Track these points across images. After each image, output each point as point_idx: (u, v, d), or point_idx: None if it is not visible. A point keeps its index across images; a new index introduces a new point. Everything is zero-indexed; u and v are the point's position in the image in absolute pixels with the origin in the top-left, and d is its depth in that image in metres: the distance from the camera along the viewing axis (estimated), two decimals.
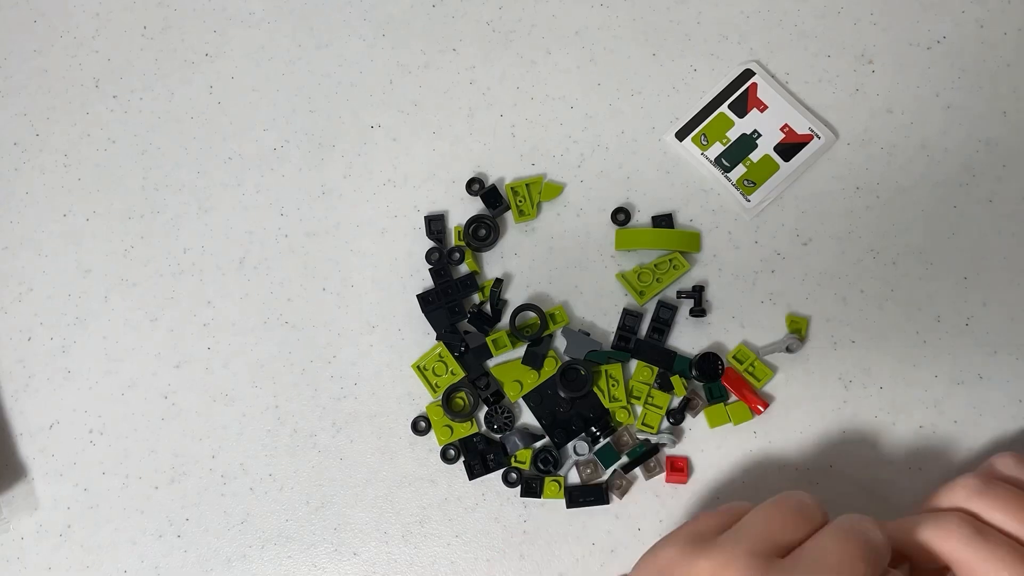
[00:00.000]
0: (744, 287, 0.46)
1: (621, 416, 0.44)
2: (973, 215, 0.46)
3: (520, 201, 0.46)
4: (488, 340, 0.44)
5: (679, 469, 0.43)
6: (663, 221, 0.46)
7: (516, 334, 0.44)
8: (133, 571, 0.44)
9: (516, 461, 0.44)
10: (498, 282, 0.45)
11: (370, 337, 0.46)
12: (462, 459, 0.44)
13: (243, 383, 0.46)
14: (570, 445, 0.44)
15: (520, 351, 0.45)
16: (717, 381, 0.44)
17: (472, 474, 0.44)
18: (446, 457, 0.44)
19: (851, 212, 0.46)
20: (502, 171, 0.48)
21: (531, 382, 0.44)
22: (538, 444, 0.44)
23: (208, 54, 0.50)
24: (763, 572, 0.32)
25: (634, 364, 0.45)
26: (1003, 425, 0.44)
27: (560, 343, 0.45)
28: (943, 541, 0.35)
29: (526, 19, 0.50)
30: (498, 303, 0.45)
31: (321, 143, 0.49)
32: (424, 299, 0.45)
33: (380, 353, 0.46)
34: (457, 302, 0.45)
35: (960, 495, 0.37)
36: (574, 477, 0.44)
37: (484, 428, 0.44)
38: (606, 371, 0.44)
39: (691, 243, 0.46)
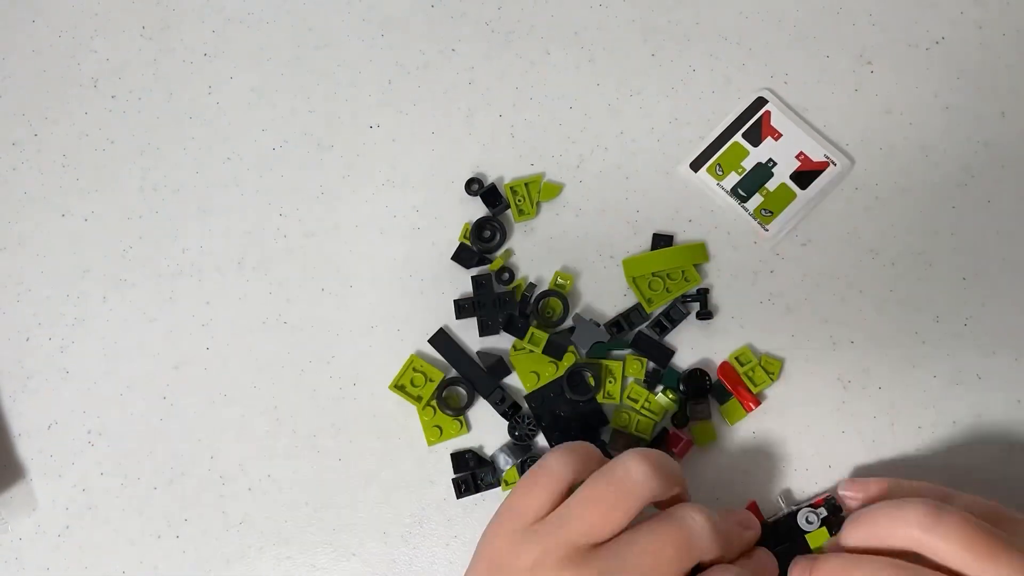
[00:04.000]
0: (743, 287, 0.46)
1: (620, 420, 0.44)
2: (972, 216, 0.46)
3: (519, 200, 0.46)
4: (517, 342, 0.44)
5: (677, 443, 0.43)
6: (662, 241, 0.46)
7: (542, 322, 0.44)
8: (132, 572, 0.44)
9: (505, 484, 0.43)
10: (531, 286, 0.45)
11: (369, 338, 0.46)
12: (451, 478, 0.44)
13: (242, 384, 0.46)
14: None
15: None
16: (704, 398, 0.44)
17: (460, 493, 0.44)
18: (463, 465, 0.44)
19: (850, 213, 0.46)
20: (501, 171, 0.48)
21: (548, 375, 0.44)
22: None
23: (207, 54, 0.50)
24: (579, 563, 0.34)
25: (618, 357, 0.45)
26: (1002, 426, 0.44)
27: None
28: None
29: (525, 19, 0.50)
30: (528, 308, 0.45)
31: (320, 143, 0.49)
32: (459, 306, 0.45)
33: (379, 354, 0.46)
34: (492, 317, 0.45)
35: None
36: None
37: (509, 438, 0.44)
38: (606, 366, 0.44)
39: (699, 255, 0.45)
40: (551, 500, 0.36)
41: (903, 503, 0.35)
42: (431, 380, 0.45)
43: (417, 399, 0.44)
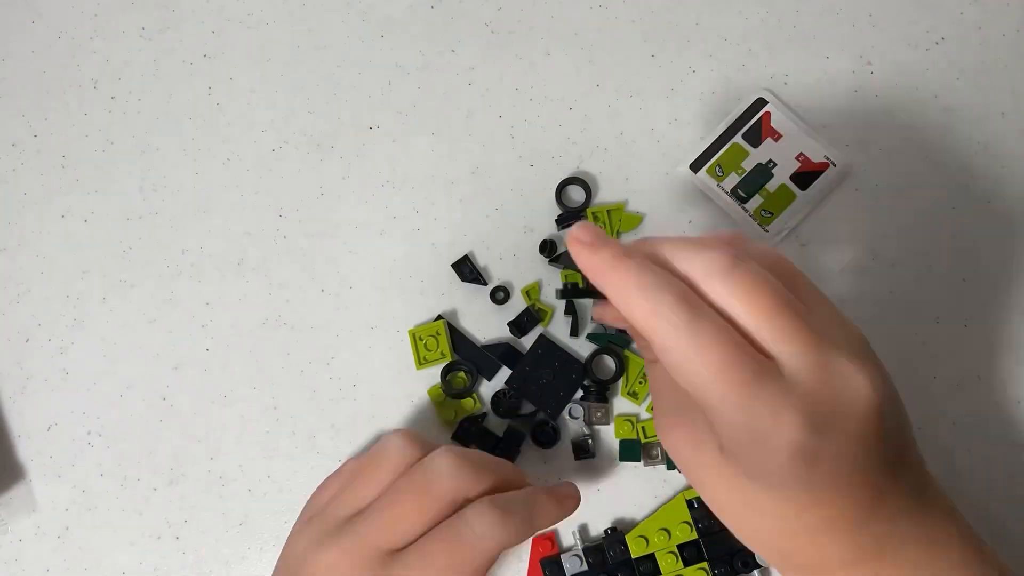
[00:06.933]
0: None
1: (623, 430, 0.44)
2: (971, 216, 0.46)
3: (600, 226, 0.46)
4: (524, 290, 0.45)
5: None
6: None
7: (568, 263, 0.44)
8: (131, 573, 0.44)
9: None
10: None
11: (369, 339, 0.46)
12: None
13: (241, 384, 0.46)
14: (565, 412, 0.44)
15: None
16: None
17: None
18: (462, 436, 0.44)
19: (850, 214, 0.46)
20: (500, 172, 0.48)
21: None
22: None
23: (207, 55, 0.50)
24: (375, 570, 0.34)
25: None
26: (1002, 427, 0.44)
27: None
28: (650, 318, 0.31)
29: (525, 20, 0.50)
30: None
31: (320, 144, 0.49)
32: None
33: (379, 355, 0.46)
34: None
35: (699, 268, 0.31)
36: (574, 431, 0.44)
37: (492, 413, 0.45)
38: (641, 367, 0.44)
39: None
40: (355, 497, 0.36)
41: (707, 244, 0.31)
42: (442, 355, 0.45)
43: (421, 360, 0.45)
